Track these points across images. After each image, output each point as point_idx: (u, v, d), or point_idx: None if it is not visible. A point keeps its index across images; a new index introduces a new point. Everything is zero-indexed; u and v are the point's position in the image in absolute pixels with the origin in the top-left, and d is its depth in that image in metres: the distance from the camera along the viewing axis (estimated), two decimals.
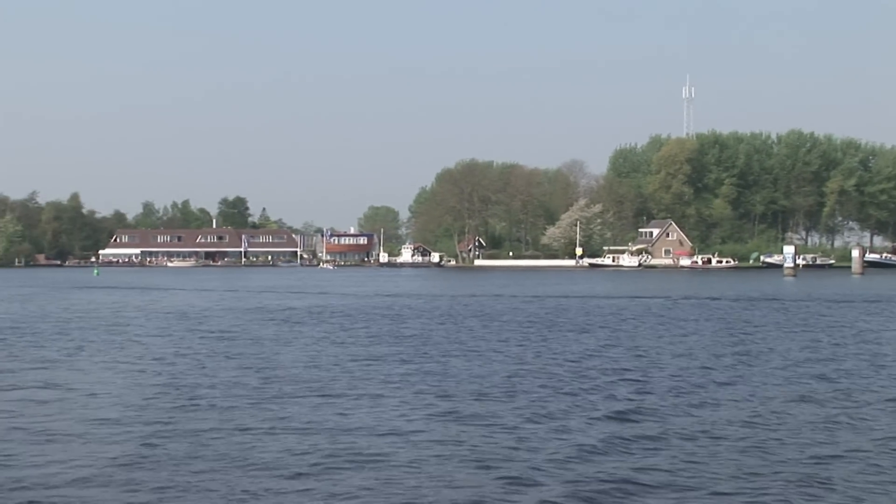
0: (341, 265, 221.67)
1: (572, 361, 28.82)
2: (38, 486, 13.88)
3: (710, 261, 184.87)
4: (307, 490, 13.71)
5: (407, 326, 43.07)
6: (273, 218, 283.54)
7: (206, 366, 27.94)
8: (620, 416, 19.22)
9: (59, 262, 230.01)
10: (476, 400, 21.35)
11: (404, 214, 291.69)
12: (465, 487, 13.86)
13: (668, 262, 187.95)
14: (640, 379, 24.79)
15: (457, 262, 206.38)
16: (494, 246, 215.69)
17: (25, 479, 14.30)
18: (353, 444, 16.63)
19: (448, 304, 61.04)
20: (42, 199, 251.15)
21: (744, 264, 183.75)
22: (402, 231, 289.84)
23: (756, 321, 46.49)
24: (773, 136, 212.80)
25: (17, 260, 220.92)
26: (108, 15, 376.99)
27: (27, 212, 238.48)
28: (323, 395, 22.08)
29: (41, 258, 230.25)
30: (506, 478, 14.39)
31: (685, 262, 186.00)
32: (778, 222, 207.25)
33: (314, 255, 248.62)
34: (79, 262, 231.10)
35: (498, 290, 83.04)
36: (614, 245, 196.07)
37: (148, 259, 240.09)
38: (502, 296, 73.02)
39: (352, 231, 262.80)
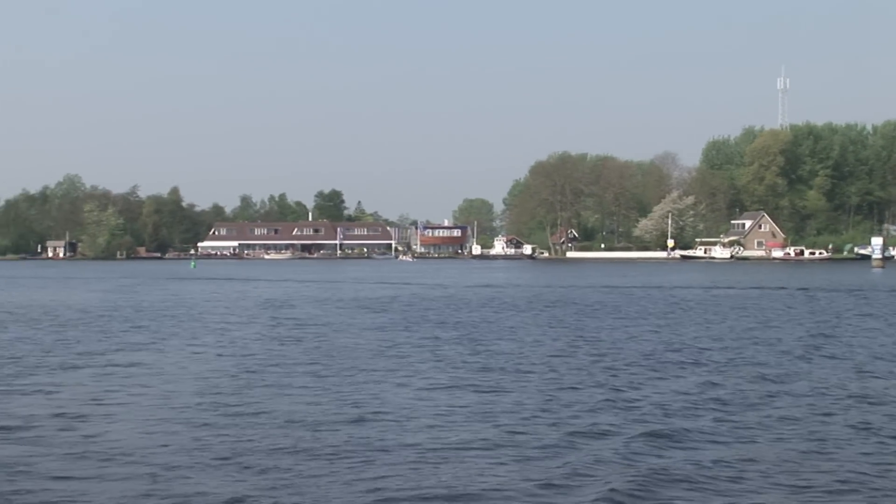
0: (436, 257, 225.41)
1: (702, 348, 30.75)
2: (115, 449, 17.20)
3: (802, 252, 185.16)
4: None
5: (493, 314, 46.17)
6: (369, 211, 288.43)
7: (292, 350, 31.33)
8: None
9: (158, 255, 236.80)
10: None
11: (499, 207, 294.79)
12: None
13: (761, 253, 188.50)
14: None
15: (550, 254, 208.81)
16: (587, 238, 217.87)
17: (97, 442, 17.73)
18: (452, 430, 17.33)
19: (540, 293, 63.94)
20: (143, 193, 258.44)
21: (837, 256, 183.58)
22: (497, 223, 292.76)
23: (809, 309, 48.69)
24: (869, 128, 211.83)
25: (118, 252, 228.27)
26: (203, 13, 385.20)
27: (129, 205, 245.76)
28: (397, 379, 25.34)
29: (142, 251, 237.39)
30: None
31: (777, 253, 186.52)
32: (874, 214, 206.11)
33: (408, 247, 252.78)
34: (178, 255, 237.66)
35: (617, 282, 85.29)
36: (707, 237, 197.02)
37: (245, 252, 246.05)
38: (618, 287, 75.60)
39: (445, 223, 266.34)
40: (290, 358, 28.02)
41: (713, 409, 19.33)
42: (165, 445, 16.00)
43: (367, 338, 34.17)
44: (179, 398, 20.74)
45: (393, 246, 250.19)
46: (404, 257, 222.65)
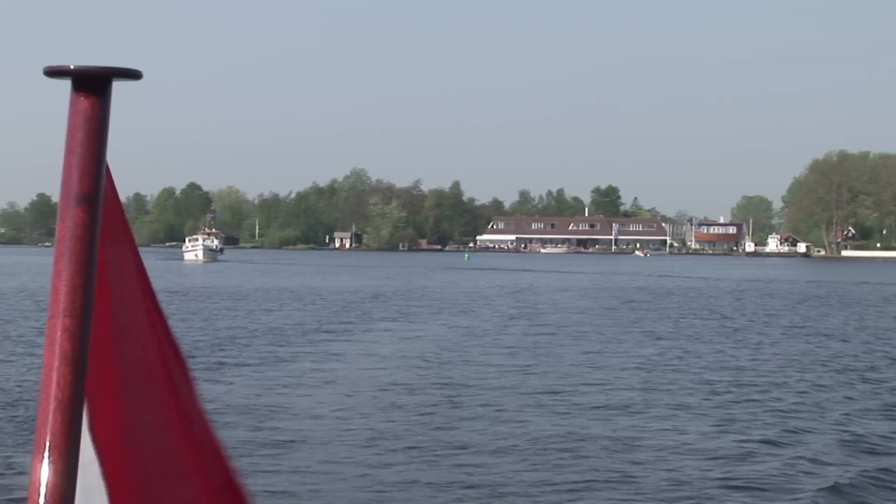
0: (709, 253, 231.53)
1: None
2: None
3: None
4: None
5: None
6: (646, 207, 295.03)
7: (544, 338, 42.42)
8: None
9: (439, 247, 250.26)
10: None
11: (778, 204, 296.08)
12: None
13: None
14: None
15: (826, 252, 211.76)
16: (864, 237, 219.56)
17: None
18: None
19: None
20: (425, 187, 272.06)
21: None
22: (775, 221, 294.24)
23: None
24: None
25: (400, 244, 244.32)
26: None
27: (411, 199, 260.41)
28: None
29: (423, 243, 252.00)
30: None
31: None
32: None
33: (684, 243, 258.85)
34: (457, 248, 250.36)
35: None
36: None
37: (522, 245, 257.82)
38: None
39: (721, 220, 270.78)
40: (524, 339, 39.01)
41: None
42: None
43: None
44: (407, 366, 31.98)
45: (667, 242, 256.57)
46: (637, 252, 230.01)
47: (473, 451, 16.95)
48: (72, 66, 1.67)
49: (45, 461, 1.61)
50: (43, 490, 1.60)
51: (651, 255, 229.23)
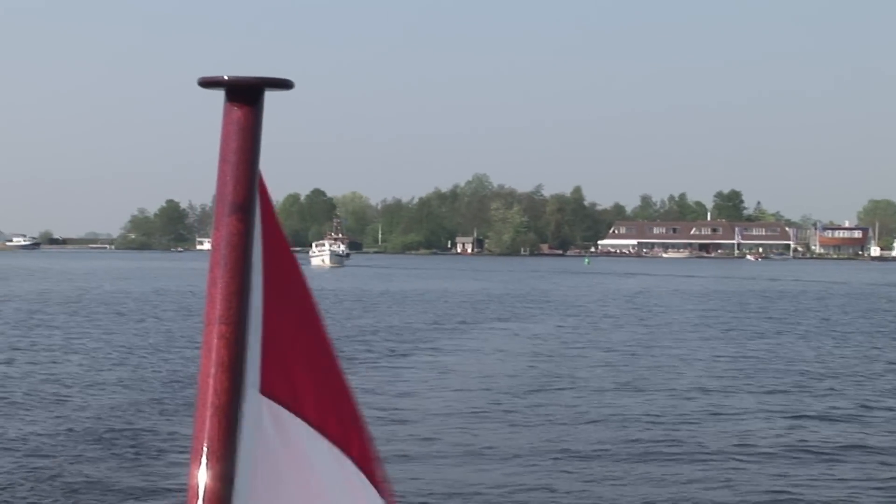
0: (834, 258, 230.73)
1: None
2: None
3: None
4: None
5: None
6: (770, 211, 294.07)
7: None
8: None
9: (560, 252, 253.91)
10: None
11: None
12: None
13: None
14: None
15: None
16: None
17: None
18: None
19: None
20: (546, 192, 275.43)
21: None
22: None
23: None
24: None
25: (522, 249, 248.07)
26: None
27: (532, 204, 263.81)
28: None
29: (545, 248, 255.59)
30: None
31: None
32: None
33: (808, 247, 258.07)
34: (579, 252, 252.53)
35: None
36: None
37: (644, 250, 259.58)
38: None
39: (846, 224, 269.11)
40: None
41: None
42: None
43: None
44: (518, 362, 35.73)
45: (791, 246, 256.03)
46: (749, 256, 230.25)
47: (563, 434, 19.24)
48: (225, 77, 1.72)
49: (203, 466, 1.65)
50: (201, 495, 1.65)
51: (774, 258, 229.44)
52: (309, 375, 1.91)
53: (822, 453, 17.88)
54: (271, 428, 1.80)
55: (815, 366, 30.35)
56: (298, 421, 1.85)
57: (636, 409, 22.05)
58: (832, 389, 25.55)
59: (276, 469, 1.83)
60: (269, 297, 1.80)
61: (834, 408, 22.68)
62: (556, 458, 17.21)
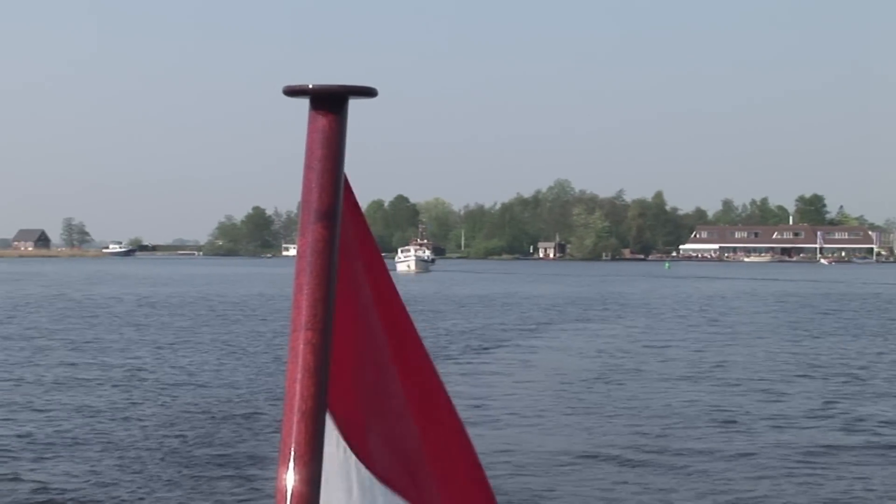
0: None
1: None
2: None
3: None
4: None
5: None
6: (853, 215, 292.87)
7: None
8: None
9: (642, 257, 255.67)
10: None
11: None
12: None
13: None
14: None
15: None
16: None
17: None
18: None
19: None
20: (628, 197, 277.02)
21: None
22: None
23: None
24: None
25: (604, 254, 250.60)
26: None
27: (614, 209, 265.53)
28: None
29: (626, 252, 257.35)
30: None
31: None
32: None
33: (891, 251, 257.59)
34: (660, 257, 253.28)
35: None
36: None
37: (725, 254, 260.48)
38: None
39: None
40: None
41: None
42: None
43: None
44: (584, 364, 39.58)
45: (874, 250, 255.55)
46: (822, 260, 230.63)
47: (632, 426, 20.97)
48: (310, 86, 1.72)
49: (291, 470, 1.67)
50: (289, 499, 1.66)
51: (857, 262, 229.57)
52: (371, 402, 1.96)
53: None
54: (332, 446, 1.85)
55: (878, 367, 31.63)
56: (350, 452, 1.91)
57: (699, 405, 23.38)
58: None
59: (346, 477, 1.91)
60: (350, 302, 1.86)
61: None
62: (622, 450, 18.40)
